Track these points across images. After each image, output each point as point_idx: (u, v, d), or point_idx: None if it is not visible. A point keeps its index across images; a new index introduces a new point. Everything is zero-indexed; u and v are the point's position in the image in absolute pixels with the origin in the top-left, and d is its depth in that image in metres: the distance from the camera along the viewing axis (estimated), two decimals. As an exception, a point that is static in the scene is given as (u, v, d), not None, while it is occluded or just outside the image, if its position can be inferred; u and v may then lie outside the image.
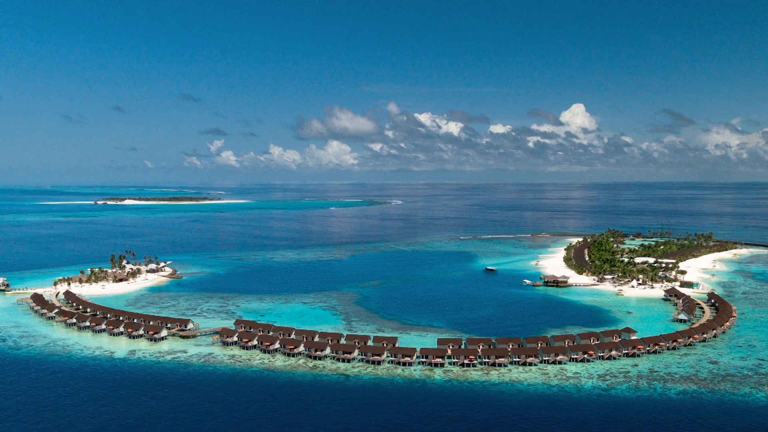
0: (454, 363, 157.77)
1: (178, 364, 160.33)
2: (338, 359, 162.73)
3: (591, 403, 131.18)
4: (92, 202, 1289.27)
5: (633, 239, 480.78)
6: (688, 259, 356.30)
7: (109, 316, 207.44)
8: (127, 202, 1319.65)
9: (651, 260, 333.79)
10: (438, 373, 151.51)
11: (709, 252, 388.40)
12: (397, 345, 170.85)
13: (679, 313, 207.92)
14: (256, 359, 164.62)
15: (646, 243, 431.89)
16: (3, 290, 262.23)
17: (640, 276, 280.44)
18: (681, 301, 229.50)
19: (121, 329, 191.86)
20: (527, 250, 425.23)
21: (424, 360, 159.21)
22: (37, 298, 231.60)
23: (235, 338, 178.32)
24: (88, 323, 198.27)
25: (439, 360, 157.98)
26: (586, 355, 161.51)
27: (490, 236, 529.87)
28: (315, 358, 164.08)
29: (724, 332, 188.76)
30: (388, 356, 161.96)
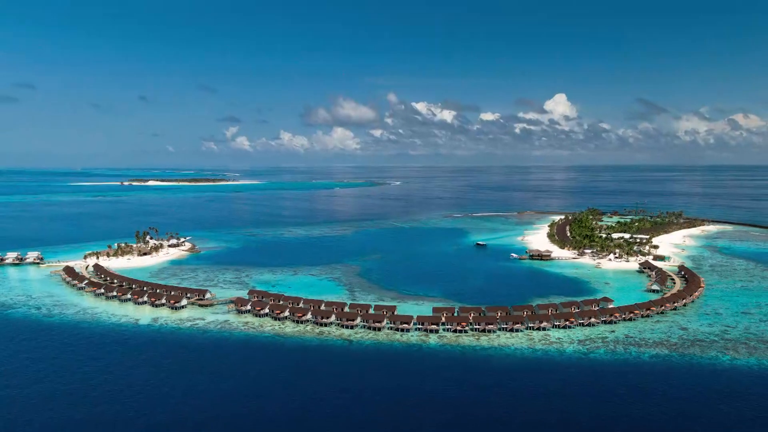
0: (447, 329, 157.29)
1: (197, 331, 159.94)
2: (342, 326, 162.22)
3: (572, 366, 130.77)
4: (119, 183, 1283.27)
5: (610, 217, 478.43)
6: (660, 235, 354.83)
7: (134, 286, 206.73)
8: (151, 183, 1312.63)
9: (627, 236, 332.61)
10: (433, 339, 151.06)
11: (680, 228, 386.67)
12: (395, 313, 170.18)
13: (652, 284, 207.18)
14: (268, 326, 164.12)
15: (622, 220, 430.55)
16: (38, 263, 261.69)
17: (617, 250, 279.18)
18: (654, 273, 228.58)
19: (145, 299, 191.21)
20: (514, 226, 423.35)
21: (420, 326, 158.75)
22: (69, 271, 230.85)
23: (248, 307, 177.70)
24: (114, 293, 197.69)
25: (434, 327, 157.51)
26: (567, 322, 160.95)
27: (480, 214, 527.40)
28: (321, 324, 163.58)
29: (693, 301, 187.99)
30: (387, 323, 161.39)
